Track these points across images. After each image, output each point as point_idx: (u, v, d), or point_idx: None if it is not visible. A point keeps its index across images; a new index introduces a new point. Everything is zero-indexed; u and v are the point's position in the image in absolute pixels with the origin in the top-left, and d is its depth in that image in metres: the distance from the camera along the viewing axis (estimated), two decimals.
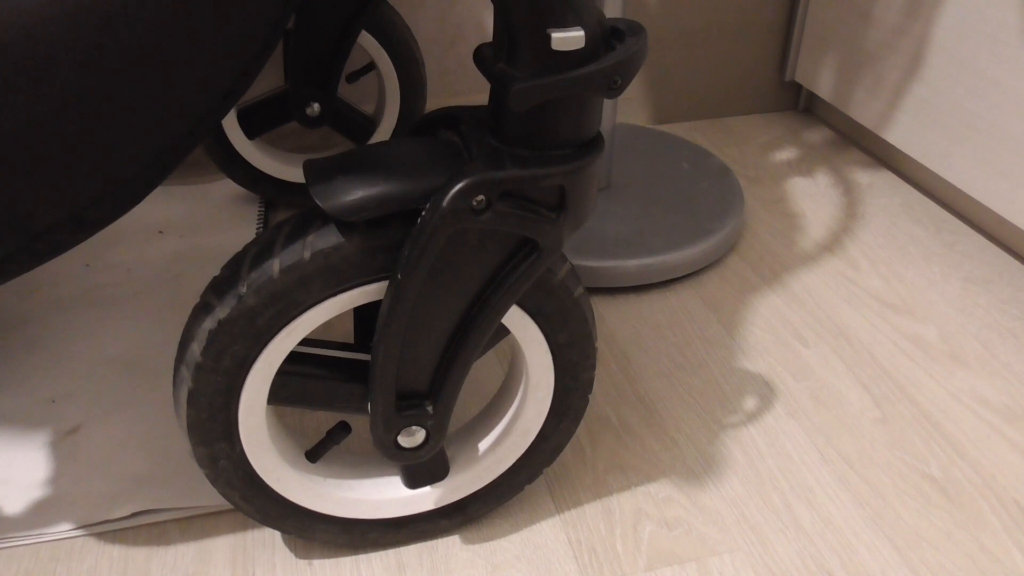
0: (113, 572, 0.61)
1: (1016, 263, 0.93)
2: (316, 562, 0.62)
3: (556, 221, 0.49)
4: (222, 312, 0.49)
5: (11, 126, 0.38)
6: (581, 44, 0.45)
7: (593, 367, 0.59)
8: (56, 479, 0.67)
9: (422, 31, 1.08)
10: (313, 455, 0.59)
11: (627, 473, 0.69)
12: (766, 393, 0.77)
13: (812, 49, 1.17)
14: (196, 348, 0.50)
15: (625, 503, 0.66)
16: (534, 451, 0.61)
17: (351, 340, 0.81)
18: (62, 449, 0.69)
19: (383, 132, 0.98)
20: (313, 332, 0.82)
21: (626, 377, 0.78)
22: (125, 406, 0.73)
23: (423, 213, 0.47)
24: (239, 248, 0.93)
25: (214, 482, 0.55)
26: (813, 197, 1.06)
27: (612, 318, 0.86)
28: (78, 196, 0.42)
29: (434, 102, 1.13)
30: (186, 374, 0.51)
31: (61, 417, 0.72)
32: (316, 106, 0.92)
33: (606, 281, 0.88)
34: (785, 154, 1.16)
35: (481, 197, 0.47)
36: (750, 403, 0.76)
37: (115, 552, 0.62)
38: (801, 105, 1.27)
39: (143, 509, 0.64)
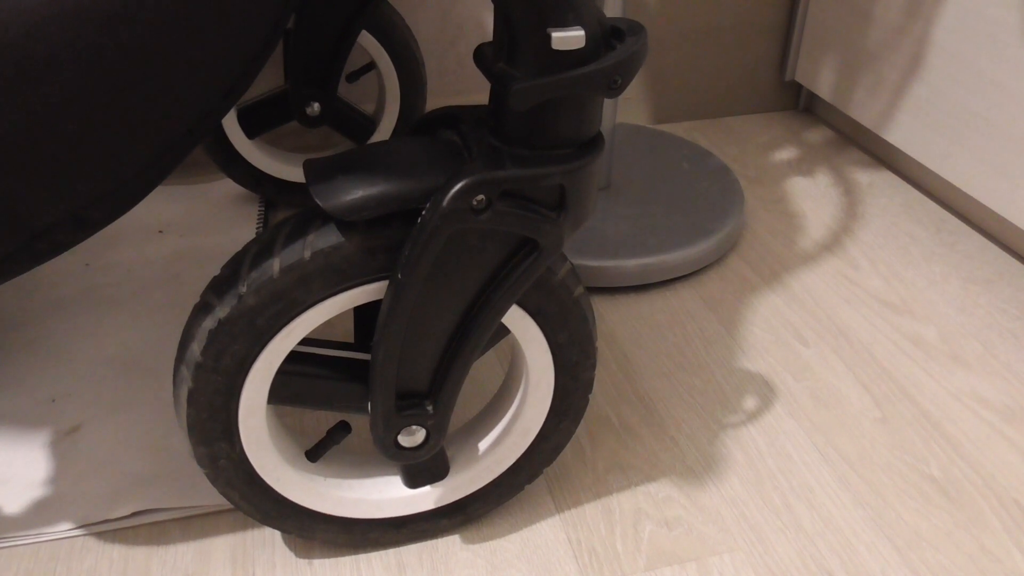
0: (113, 572, 0.61)
1: (1016, 263, 0.93)
2: (316, 562, 0.62)
3: (556, 221, 0.49)
4: (222, 311, 0.49)
5: (11, 126, 0.38)
6: (581, 44, 0.45)
7: (593, 367, 0.59)
8: (56, 479, 0.67)
9: (422, 31, 1.08)
10: (313, 455, 0.59)
11: (627, 473, 0.69)
12: (766, 393, 0.77)
13: (812, 49, 1.17)
14: (196, 347, 0.50)
15: (625, 503, 0.66)
16: (534, 451, 0.61)
17: (351, 339, 0.81)
18: (62, 449, 0.69)
19: (383, 132, 0.98)
20: (313, 332, 0.82)
21: (626, 377, 0.78)
22: (125, 406, 0.73)
23: (423, 213, 0.47)
24: (239, 248, 0.93)
25: (214, 482, 0.55)
26: (813, 197, 1.06)
27: (612, 318, 0.86)
28: (78, 196, 0.42)
29: (434, 102, 1.13)
30: (186, 373, 0.51)
31: (61, 417, 0.72)
32: (316, 106, 0.92)
33: (606, 281, 0.88)
34: (785, 154, 1.16)
35: (481, 197, 0.47)
36: (750, 403, 0.76)
37: (115, 552, 0.62)
38: (801, 105, 1.27)
39: (143, 509, 0.64)
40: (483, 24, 1.10)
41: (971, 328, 0.84)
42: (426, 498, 0.61)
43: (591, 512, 0.66)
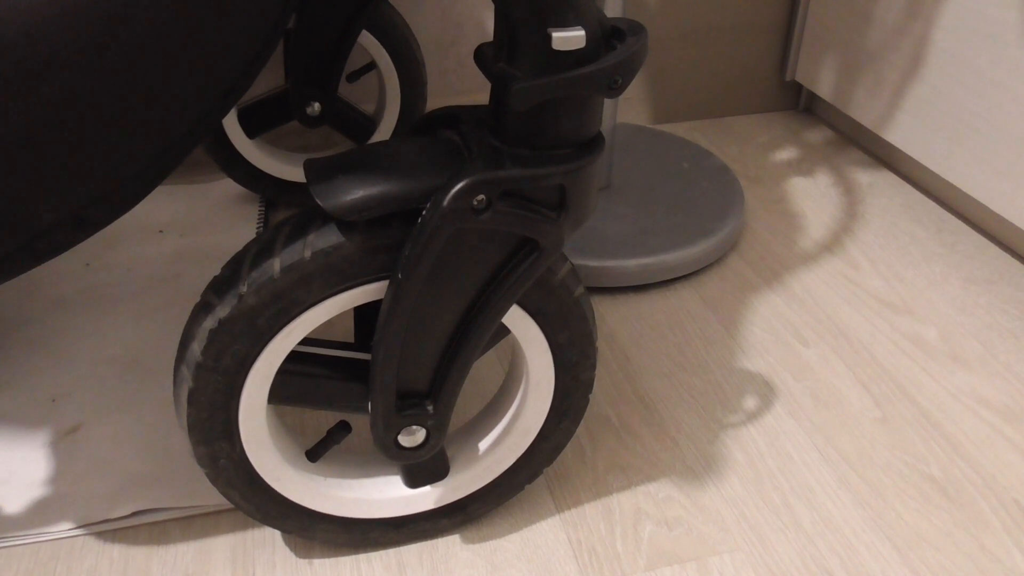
0: (113, 571, 0.61)
1: (1016, 263, 0.93)
2: (316, 561, 0.62)
3: (556, 221, 0.49)
4: (223, 311, 0.49)
5: (11, 126, 0.38)
6: (582, 44, 0.45)
7: (593, 367, 0.59)
8: (56, 478, 0.67)
9: (422, 31, 1.09)
10: (313, 454, 0.59)
11: (627, 473, 0.69)
12: (766, 393, 0.77)
13: (812, 49, 1.17)
14: (197, 347, 0.50)
15: (625, 503, 0.66)
16: (534, 451, 0.61)
17: (351, 339, 0.81)
18: (62, 448, 0.69)
19: (383, 131, 0.98)
20: (313, 331, 0.82)
21: (626, 377, 0.78)
22: (125, 405, 0.73)
23: (423, 212, 0.47)
24: (239, 247, 0.93)
25: (214, 481, 0.55)
26: (813, 197, 1.06)
27: (612, 318, 0.86)
28: (78, 196, 0.42)
29: (434, 102, 1.13)
30: (187, 373, 0.51)
31: (61, 416, 0.72)
32: (316, 105, 0.92)
33: (606, 281, 0.88)
34: (785, 154, 1.16)
35: (481, 197, 0.47)
36: (750, 403, 0.76)
37: (115, 551, 0.62)
38: (801, 105, 1.27)
39: (143, 508, 0.64)
40: (483, 24, 1.10)
41: (971, 328, 0.84)
42: (426, 498, 0.61)
43: (591, 512, 0.66)
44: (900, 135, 1.03)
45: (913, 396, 0.76)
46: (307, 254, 0.48)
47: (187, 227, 0.97)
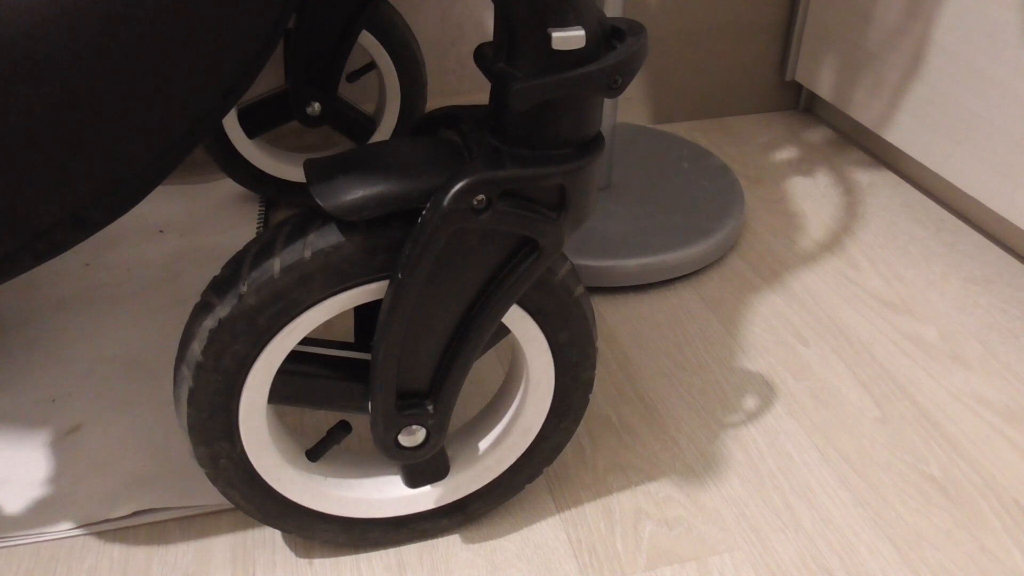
0: (113, 571, 0.61)
1: (1016, 263, 0.93)
2: (316, 561, 0.62)
3: (556, 220, 0.49)
4: (223, 311, 0.49)
5: (11, 126, 0.38)
6: (582, 43, 0.45)
7: (593, 366, 0.59)
8: (56, 478, 0.67)
9: (422, 30, 1.09)
10: (313, 454, 0.59)
11: (627, 472, 0.69)
12: (766, 392, 0.77)
13: (812, 49, 1.17)
14: (197, 347, 0.50)
15: (625, 502, 0.66)
16: (534, 450, 0.61)
17: (352, 339, 0.81)
18: (62, 448, 0.69)
19: (383, 131, 0.98)
20: (314, 331, 0.82)
21: (626, 377, 0.78)
22: (125, 405, 0.73)
23: (424, 212, 0.47)
24: (239, 247, 0.93)
25: (215, 481, 0.55)
26: (813, 197, 1.06)
27: (612, 318, 0.86)
28: (78, 196, 0.42)
29: (434, 102, 1.13)
30: (187, 373, 0.51)
31: (61, 416, 0.72)
32: (316, 105, 0.92)
33: (606, 280, 0.88)
34: (785, 154, 1.16)
35: (481, 196, 0.47)
36: (750, 402, 0.76)
37: (115, 551, 0.62)
38: (801, 105, 1.27)
39: (143, 508, 0.64)
40: (483, 24, 1.10)
41: (971, 328, 0.84)
42: (426, 498, 0.61)
43: (591, 512, 0.66)
44: (900, 135, 1.03)
45: (913, 396, 0.76)
46: (307, 254, 0.48)
47: (187, 227, 0.97)
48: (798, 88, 1.26)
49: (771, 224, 1.00)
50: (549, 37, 0.45)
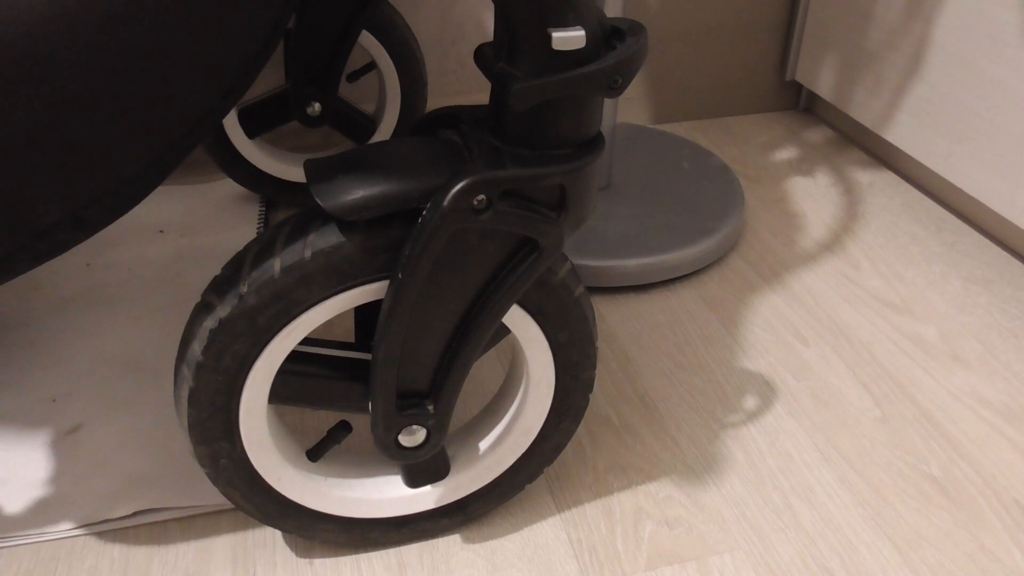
0: (114, 571, 0.61)
1: (1016, 263, 0.93)
2: (317, 561, 0.62)
3: (557, 220, 0.49)
4: (223, 311, 0.49)
5: (11, 126, 0.38)
6: (582, 43, 0.45)
7: (594, 366, 0.59)
8: (57, 478, 0.67)
9: (423, 30, 1.09)
10: (314, 454, 0.59)
11: (627, 472, 0.69)
12: (766, 392, 0.77)
13: (812, 49, 1.17)
14: (197, 347, 0.50)
15: (625, 502, 0.66)
16: (535, 450, 0.61)
17: (352, 339, 0.81)
18: (63, 448, 0.69)
19: (384, 131, 0.98)
20: (314, 331, 0.82)
21: (626, 376, 0.78)
22: (126, 405, 0.73)
23: (424, 212, 0.47)
24: (240, 247, 0.93)
25: (215, 481, 0.55)
26: (813, 197, 1.06)
27: (613, 317, 0.86)
28: (78, 196, 0.42)
29: (435, 101, 1.13)
30: (187, 373, 0.51)
31: (62, 416, 0.72)
32: (317, 105, 0.92)
33: (607, 280, 0.88)
34: (785, 154, 1.16)
35: (482, 196, 0.47)
36: (750, 402, 0.76)
37: (116, 551, 0.62)
38: (801, 105, 1.27)
39: (144, 508, 0.64)
40: (483, 24, 1.10)
41: (971, 328, 0.84)
42: (427, 498, 0.61)
43: (591, 511, 0.66)
44: (900, 134, 1.03)
45: (913, 395, 0.76)
46: (307, 254, 0.48)
47: (187, 227, 0.97)
48: (798, 88, 1.26)
49: (771, 224, 1.00)
50: (549, 37, 0.45)
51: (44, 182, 0.40)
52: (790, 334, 0.84)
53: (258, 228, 0.97)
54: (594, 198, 0.52)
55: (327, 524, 0.60)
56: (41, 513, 0.64)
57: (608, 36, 0.48)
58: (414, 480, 0.59)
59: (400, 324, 0.50)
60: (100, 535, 0.63)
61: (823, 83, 1.16)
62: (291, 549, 0.63)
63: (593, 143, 0.50)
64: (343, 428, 0.59)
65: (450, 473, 0.60)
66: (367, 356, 0.56)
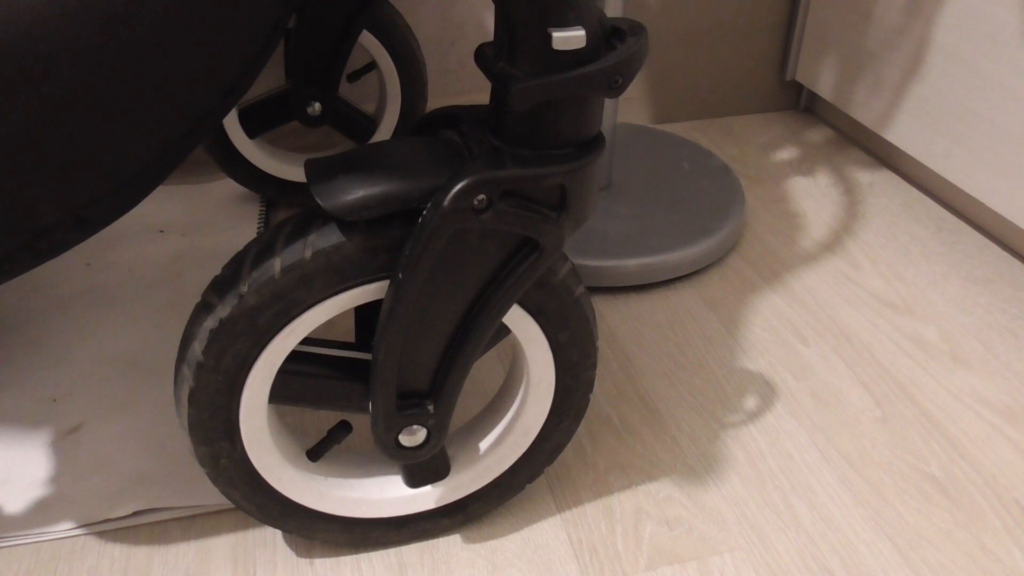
0: (114, 571, 0.61)
1: (1016, 263, 0.93)
2: (317, 561, 0.62)
3: (557, 220, 0.49)
4: (223, 311, 0.49)
5: (11, 125, 0.38)
6: (582, 43, 0.45)
7: (594, 366, 0.59)
8: (57, 478, 0.67)
9: (423, 30, 1.09)
10: (314, 454, 0.59)
11: (628, 472, 0.69)
12: (767, 392, 0.77)
13: (813, 49, 1.17)
14: (197, 347, 0.50)
15: (626, 502, 0.66)
16: (535, 450, 0.61)
17: (352, 339, 0.81)
18: (63, 448, 0.69)
19: (384, 131, 0.98)
20: (314, 331, 0.82)
21: (627, 376, 0.78)
22: (126, 405, 0.73)
23: (424, 212, 0.47)
24: (240, 247, 0.93)
25: (215, 481, 0.55)
26: (814, 197, 1.06)
27: (613, 317, 0.86)
28: (79, 195, 0.42)
29: (435, 101, 1.13)
30: (187, 373, 0.51)
31: (62, 416, 0.72)
32: (317, 105, 0.92)
33: (607, 280, 0.88)
34: (786, 154, 1.16)
35: (482, 196, 0.47)
36: (751, 402, 0.76)
37: (116, 551, 0.62)
38: (802, 105, 1.27)
39: (144, 508, 0.64)
40: (484, 24, 1.10)
41: (971, 328, 0.84)
42: (427, 497, 0.61)
43: (592, 511, 0.66)
44: (900, 134, 1.03)
45: (913, 396, 0.76)
46: (308, 254, 0.48)
47: (188, 227, 0.97)
48: (798, 88, 1.26)
49: (771, 224, 1.00)
50: (550, 37, 0.45)
51: (44, 182, 0.40)
52: (790, 334, 0.84)
53: (258, 228, 0.97)
54: (594, 198, 0.51)
55: (327, 524, 0.60)
56: (41, 513, 0.64)
57: (608, 36, 0.48)
58: (414, 480, 0.59)
59: (400, 324, 0.50)
60: (100, 535, 0.63)
61: (823, 83, 1.16)
62: (291, 549, 0.63)
63: (593, 143, 0.50)
64: (343, 428, 0.59)
65: (450, 473, 0.60)
66: (367, 356, 0.56)
